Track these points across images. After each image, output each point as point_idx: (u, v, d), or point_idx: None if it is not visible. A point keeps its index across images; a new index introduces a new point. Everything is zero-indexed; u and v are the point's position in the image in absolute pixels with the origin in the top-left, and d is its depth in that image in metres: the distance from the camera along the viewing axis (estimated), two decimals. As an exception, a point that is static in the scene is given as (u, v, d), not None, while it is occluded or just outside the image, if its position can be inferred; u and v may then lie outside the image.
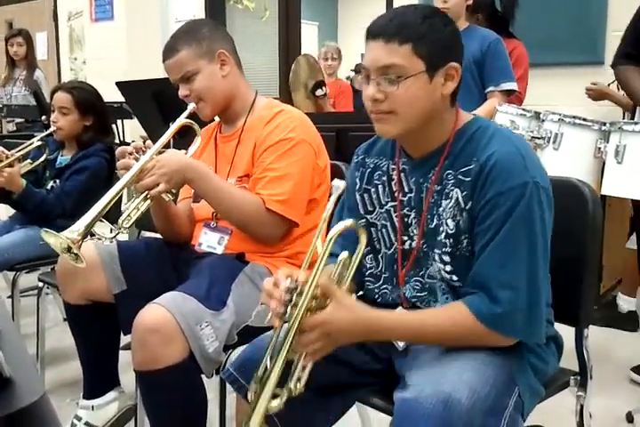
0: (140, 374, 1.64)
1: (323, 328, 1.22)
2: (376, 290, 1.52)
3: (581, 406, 1.56)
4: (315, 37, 10.76)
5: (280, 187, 1.80)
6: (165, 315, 1.59)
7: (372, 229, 1.50)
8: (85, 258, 1.77)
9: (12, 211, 2.96)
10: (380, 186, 1.49)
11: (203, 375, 1.67)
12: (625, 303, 3.26)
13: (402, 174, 1.46)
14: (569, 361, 1.56)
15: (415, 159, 1.43)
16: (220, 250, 1.90)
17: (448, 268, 1.37)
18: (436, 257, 1.38)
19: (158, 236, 2.09)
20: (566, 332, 1.54)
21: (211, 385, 1.72)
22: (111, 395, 2.12)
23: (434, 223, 1.38)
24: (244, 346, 1.48)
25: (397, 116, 1.32)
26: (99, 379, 2.12)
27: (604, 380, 1.88)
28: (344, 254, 1.30)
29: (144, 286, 1.82)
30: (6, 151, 2.57)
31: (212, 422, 1.74)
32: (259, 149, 1.86)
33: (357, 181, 1.54)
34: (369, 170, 1.53)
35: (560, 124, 2.57)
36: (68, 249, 1.64)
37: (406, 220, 1.44)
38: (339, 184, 1.24)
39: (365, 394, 1.48)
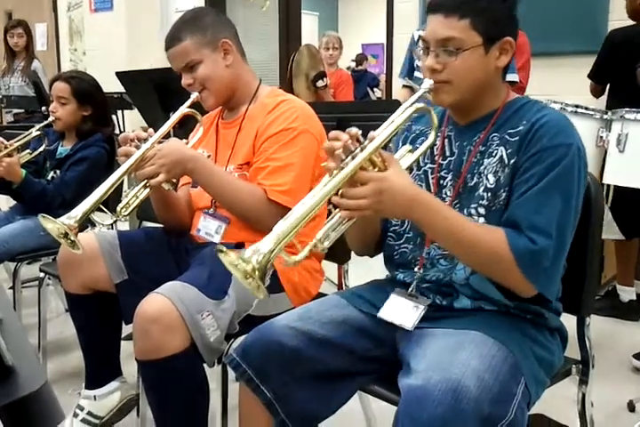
0: (142, 364, 1.64)
1: (377, 184, 1.24)
2: (396, 247, 1.55)
3: (583, 395, 1.57)
4: (315, 27, 10.74)
5: (282, 177, 1.79)
6: (167, 304, 1.58)
7: None
8: (86, 248, 1.79)
9: (12, 202, 2.96)
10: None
11: (205, 365, 1.67)
12: (625, 293, 3.28)
13: (446, 140, 1.51)
14: (571, 350, 1.56)
15: (462, 125, 1.49)
16: (217, 239, 1.90)
17: (481, 220, 1.39)
18: (472, 211, 1.41)
19: (159, 226, 2.08)
20: (568, 321, 1.54)
21: (213, 375, 1.72)
22: (113, 385, 2.12)
23: (473, 181, 1.43)
24: (248, 334, 1.48)
25: (452, 86, 1.39)
26: (100, 369, 2.12)
27: (605, 369, 1.89)
28: (406, 147, 1.39)
29: (145, 275, 1.82)
30: (5, 141, 2.57)
31: (214, 411, 1.74)
32: (260, 137, 1.85)
33: (400, 143, 1.58)
34: (413, 135, 1.59)
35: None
36: (66, 235, 1.64)
37: (441, 182, 1.48)
38: None
39: (368, 382, 1.48)
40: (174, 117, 1.87)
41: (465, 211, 1.42)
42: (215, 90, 1.91)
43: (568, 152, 1.32)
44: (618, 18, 3.76)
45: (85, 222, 1.80)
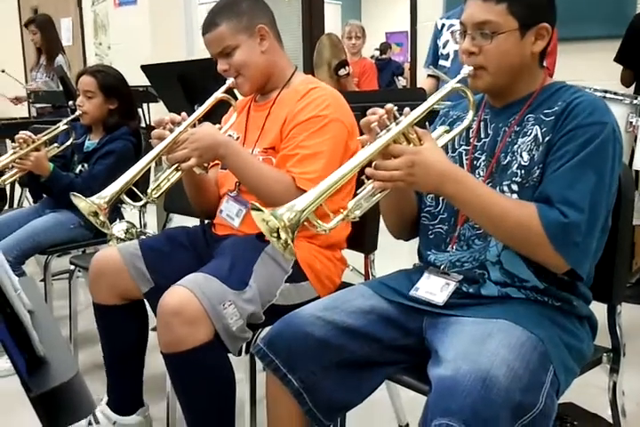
0: (168, 357, 1.65)
1: (410, 157, 1.28)
2: (430, 227, 1.56)
3: (614, 384, 1.55)
4: (338, 16, 10.69)
5: (311, 165, 1.78)
6: (188, 296, 1.59)
7: None
8: (110, 262, 1.89)
9: (43, 196, 2.98)
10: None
11: (232, 356, 1.68)
12: (655, 280, 3.23)
13: (481, 123, 1.52)
14: (601, 338, 1.55)
15: (498, 108, 1.50)
16: (237, 222, 1.90)
17: (514, 196, 1.40)
18: (505, 188, 1.41)
19: (187, 219, 2.09)
20: (599, 309, 1.52)
21: (241, 365, 1.73)
22: (134, 419, 2.09)
23: (506, 160, 1.44)
24: (274, 324, 1.49)
25: (488, 71, 1.42)
26: (124, 396, 2.09)
27: (637, 357, 1.86)
28: (443, 128, 1.45)
29: (171, 278, 1.79)
30: (33, 136, 2.59)
31: (241, 402, 1.76)
32: (289, 123, 1.85)
33: (437, 126, 1.59)
34: (450, 120, 1.61)
35: (590, 99, 2.53)
36: (95, 214, 1.67)
37: (475, 162, 1.50)
38: None
39: (396, 371, 1.48)
40: (209, 102, 1.87)
41: (497, 188, 1.42)
42: (250, 76, 1.90)
43: (603, 130, 1.33)
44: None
45: (117, 203, 1.82)
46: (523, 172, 1.40)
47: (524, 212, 1.32)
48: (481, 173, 1.48)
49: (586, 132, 1.33)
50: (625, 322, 1.57)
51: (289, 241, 1.26)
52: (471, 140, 1.53)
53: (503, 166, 1.44)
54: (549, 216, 1.30)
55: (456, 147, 1.55)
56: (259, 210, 1.29)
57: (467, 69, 1.42)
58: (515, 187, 1.41)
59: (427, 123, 1.45)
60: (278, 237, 1.27)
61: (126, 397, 2.10)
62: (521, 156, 1.41)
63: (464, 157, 1.53)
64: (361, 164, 1.31)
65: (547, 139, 1.38)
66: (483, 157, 1.49)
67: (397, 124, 1.31)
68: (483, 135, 1.51)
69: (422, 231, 1.59)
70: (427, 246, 1.56)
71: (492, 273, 1.43)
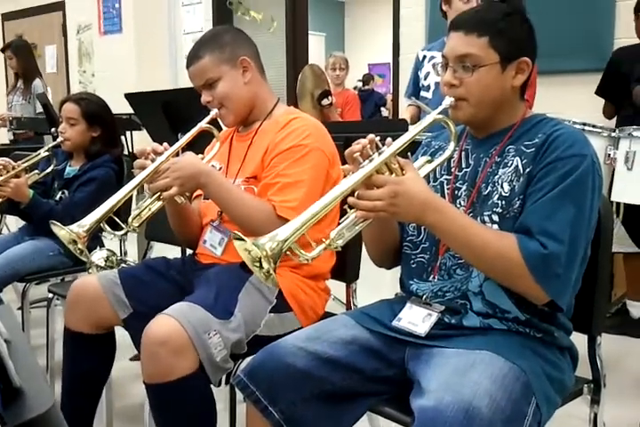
0: (151, 387, 1.63)
1: (393, 187, 1.29)
2: (412, 256, 1.56)
3: (595, 415, 1.55)
4: (322, 48, 10.81)
5: (292, 193, 1.79)
6: (175, 326, 1.58)
7: None
8: (89, 290, 1.87)
9: (22, 223, 2.96)
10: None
11: (212, 386, 1.66)
12: (635, 309, 3.24)
13: (463, 153, 1.53)
14: (582, 369, 1.55)
15: (479, 139, 1.52)
16: (219, 251, 1.90)
17: (495, 227, 1.40)
18: (486, 218, 1.42)
19: (168, 247, 2.08)
20: (579, 339, 1.52)
21: (220, 396, 1.71)
22: None
23: (487, 190, 1.44)
24: (255, 354, 1.48)
25: (469, 102, 1.44)
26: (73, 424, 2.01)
27: (617, 388, 1.87)
28: (424, 158, 1.46)
29: (150, 305, 1.78)
30: (12, 162, 2.58)
31: (222, 432, 1.73)
32: (270, 153, 1.86)
33: (419, 156, 1.60)
34: (432, 150, 1.62)
35: (569, 131, 2.57)
36: (75, 242, 1.67)
37: (456, 192, 1.51)
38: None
39: (377, 403, 1.47)
40: (191, 132, 1.88)
41: (479, 218, 1.43)
42: (233, 107, 1.92)
43: (582, 162, 1.34)
44: (623, 35, 3.77)
45: (97, 232, 1.82)
46: (503, 202, 1.41)
47: (505, 243, 1.33)
48: (462, 203, 1.49)
49: (566, 164, 1.34)
50: (605, 353, 1.58)
51: (271, 271, 1.27)
52: (452, 170, 1.54)
53: (484, 197, 1.45)
54: (529, 247, 1.31)
55: (437, 176, 1.57)
56: (241, 239, 1.30)
57: (448, 101, 1.44)
58: (495, 217, 1.42)
59: (409, 153, 1.47)
60: (260, 267, 1.28)
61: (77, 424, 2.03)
62: (502, 186, 1.42)
63: (445, 187, 1.54)
64: (343, 193, 1.32)
65: (527, 170, 1.39)
66: (464, 187, 1.50)
67: (380, 154, 1.32)
68: (464, 165, 1.52)
69: (404, 260, 1.59)
70: (409, 276, 1.56)
71: (474, 303, 1.43)
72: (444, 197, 1.52)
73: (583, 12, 4.00)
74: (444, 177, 1.55)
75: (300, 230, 1.30)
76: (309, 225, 1.31)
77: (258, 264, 1.28)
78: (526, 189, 1.38)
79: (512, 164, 1.42)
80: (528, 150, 1.41)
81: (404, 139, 1.36)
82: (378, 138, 1.34)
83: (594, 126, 2.55)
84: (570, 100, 3.87)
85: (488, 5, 1.52)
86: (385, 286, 1.69)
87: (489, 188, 1.45)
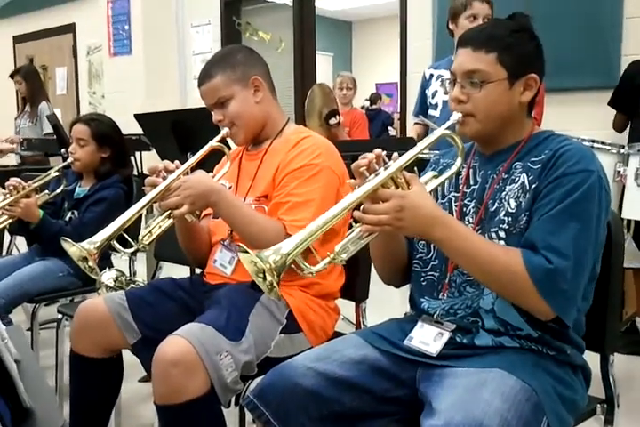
0: (162, 408, 1.61)
1: (398, 201, 1.29)
2: (422, 274, 1.55)
3: (609, 435, 1.53)
4: (329, 68, 10.88)
5: (302, 212, 1.79)
6: (186, 347, 1.57)
7: None
8: (96, 314, 1.86)
9: (31, 244, 2.97)
10: (447, 180, 1.54)
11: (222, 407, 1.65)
12: (646, 328, 3.21)
13: (470, 170, 1.53)
14: (595, 388, 1.53)
15: (487, 156, 1.51)
16: (229, 270, 1.90)
17: (501, 242, 1.40)
18: (492, 234, 1.42)
19: (177, 267, 2.08)
20: (591, 359, 1.51)
21: (230, 417, 1.70)
22: None
23: (494, 207, 1.44)
24: (264, 375, 1.47)
25: (476, 118, 1.44)
26: None
27: (631, 408, 1.84)
28: (431, 173, 1.45)
29: (159, 330, 1.76)
30: (23, 182, 2.60)
31: (232, 454, 1.72)
32: (281, 172, 1.86)
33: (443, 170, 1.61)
34: (440, 167, 1.62)
35: (578, 149, 2.56)
36: (85, 259, 1.67)
37: (464, 209, 1.50)
38: None
39: (387, 424, 1.45)
40: (202, 151, 1.89)
41: (486, 235, 1.43)
42: (244, 126, 1.93)
43: (589, 178, 1.34)
44: (631, 52, 3.78)
45: (106, 251, 1.82)
46: (510, 219, 1.41)
47: (510, 256, 1.32)
48: (470, 220, 1.49)
49: (572, 180, 1.34)
50: (618, 372, 1.56)
51: (274, 283, 1.28)
52: (460, 187, 1.54)
53: (491, 213, 1.45)
54: (534, 262, 1.31)
55: (446, 193, 1.57)
56: (245, 252, 1.31)
57: (456, 116, 1.44)
58: (502, 233, 1.41)
59: (415, 168, 1.47)
60: (264, 279, 1.29)
61: None
62: (508, 203, 1.42)
63: (453, 204, 1.54)
64: (349, 207, 1.32)
65: (533, 186, 1.39)
66: (472, 204, 1.50)
67: (386, 168, 1.32)
68: (472, 182, 1.52)
69: (414, 278, 1.58)
70: (420, 294, 1.55)
71: (485, 321, 1.42)
72: (453, 214, 1.51)
73: (591, 29, 4.02)
74: (452, 194, 1.55)
75: (304, 244, 1.30)
76: (313, 239, 1.32)
77: (262, 276, 1.29)
78: (532, 205, 1.38)
79: (519, 180, 1.42)
80: (535, 166, 1.41)
81: (410, 153, 1.37)
82: (385, 153, 1.35)
83: (603, 143, 2.55)
84: (578, 118, 3.88)
85: (496, 22, 1.53)
86: (394, 305, 1.68)
87: (496, 204, 1.44)
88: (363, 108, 8.03)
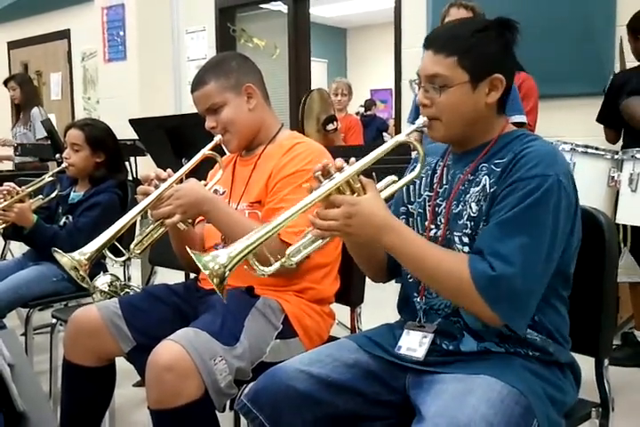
0: (157, 413, 1.61)
1: (348, 208, 1.29)
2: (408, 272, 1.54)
3: (604, 439, 1.53)
4: (324, 74, 10.90)
5: (295, 219, 1.78)
6: (180, 351, 1.57)
7: (410, 218, 1.56)
8: (89, 322, 1.85)
9: (26, 248, 2.97)
10: (423, 178, 1.55)
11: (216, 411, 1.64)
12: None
13: (445, 169, 1.52)
14: (590, 393, 1.53)
15: (458, 154, 1.50)
16: None
17: (466, 249, 1.39)
18: (457, 239, 1.41)
19: (171, 272, 2.07)
20: (586, 363, 1.51)
21: (225, 421, 1.70)
22: None
23: (458, 209, 1.43)
24: (258, 378, 1.47)
25: (442, 122, 1.42)
26: None
27: (626, 412, 1.84)
28: (391, 177, 1.43)
29: (154, 337, 1.74)
30: (17, 187, 2.59)
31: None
32: (274, 177, 1.86)
33: (408, 173, 1.59)
34: (426, 167, 1.58)
35: (572, 154, 2.58)
36: (77, 269, 1.68)
37: (437, 209, 1.50)
38: None
39: (380, 428, 1.45)
40: (195, 159, 1.89)
41: (452, 240, 1.42)
42: (237, 133, 1.93)
43: (543, 183, 1.31)
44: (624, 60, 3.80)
45: (99, 259, 1.82)
46: (472, 224, 1.40)
47: (456, 262, 1.32)
48: (442, 220, 1.47)
49: (527, 185, 1.31)
50: (614, 377, 1.56)
51: (220, 285, 1.33)
52: (434, 187, 1.53)
53: (454, 215, 1.44)
54: (478, 268, 1.29)
55: (421, 193, 1.56)
56: (194, 253, 1.35)
57: (421, 120, 1.43)
58: (466, 239, 1.40)
59: (373, 174, 1.46)
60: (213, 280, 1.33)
61: None
62: (470, 207, 1.41)
63: (427, 204, 1.53)
64: (299, 211, 1.34)
65: (492, 190, 1.38)
66: (443, 204, 1.48)
67: (341, 172, 1.32)
68: (444, 182, 1.51)
69: (403, 276, 1.58)
70: (410, 292, 1.54)
71: (467, 320, 1.41)
72: (426, 214, 1.51)
73: (583, 37, 4.04)
74: (427, 193, 1.54)
75: (246, 250, 1.34)
76: (254, 248, 1.34)
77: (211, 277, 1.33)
78: (490, 209, 1.37)
79: (481, 183, 1.41)
80: (497, 169, 1.39)
81: (366, 159, 1.36)
82: (343, 161, 1.35)
83: (597, 149, 2.56)
84: (573, 124, 3.90)
85: (461, 22, 1.50)
86: (389, 309, 1.68)
87: (459, 206, 1.43)
88: (357, 114, 8.04)
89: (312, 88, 5.55)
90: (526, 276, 1.29)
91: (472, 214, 1.40)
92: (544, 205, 1.31)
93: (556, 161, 1.35)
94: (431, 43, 1.42)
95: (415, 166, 1.56)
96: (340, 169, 1.33)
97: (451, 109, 1.40)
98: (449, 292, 1.35)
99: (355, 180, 1.33)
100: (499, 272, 1.28)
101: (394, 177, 1.45)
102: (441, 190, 1.51)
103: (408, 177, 1.43)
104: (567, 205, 1.34)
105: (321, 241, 1.37)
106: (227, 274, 1.32)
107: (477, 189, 1.40)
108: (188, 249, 1.38)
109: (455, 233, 1.42)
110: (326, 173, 1.33)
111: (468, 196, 1.42)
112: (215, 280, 1.32)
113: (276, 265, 1.36)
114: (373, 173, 1.50)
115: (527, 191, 1.31)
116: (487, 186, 1.39)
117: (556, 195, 1.31)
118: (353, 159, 1.35)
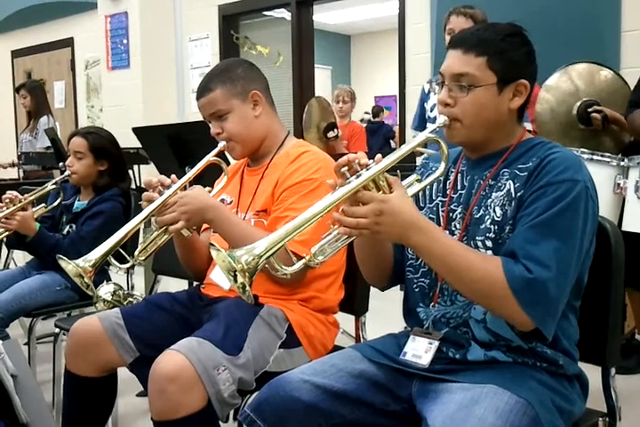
0: (160, 424, 1.59)
1: (378, 205, 1.26)
2: (414, 280, 1.53)
3: (612, 449, 1.51)
4: (328, 81, 10.93)
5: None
6: (183, 362, 1.56)
7: None
8: (92, 334, 1.84)
9: (29, 257, 2.96)
10: (435, 184, 1.53)
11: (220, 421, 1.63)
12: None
13: (459, 175, 1.51)
14: (596, 402, 1.52)
15: (474, 160, 1.49)
16: (227, 285, 1.88)
17: (489, 252, 1.38)
18: (479, 244, 1.39)
19: (175, 281, 2.07)
20: (593, 372, 1.50)
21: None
22: None
23: (479, 214, 1.42)
24: (261, 388, 1.45)
25: (462, 124, 1.41)
26: None
27: (634, 422, 1.82)
28: (414, 176, 1.40)
29: (157, 347, 1.73)
30: (19, 195, 2.59)
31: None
32: (280, 186, 1.86)
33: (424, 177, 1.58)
34: (429, 171, 1.59)
35: (577, 161, 2.56)
36: (81, 276, 1.67)
37: (451, 215, 1.48)
38: None
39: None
40: (199, 165, 1.88)
41: (472, 243, 1.41)
42: (242, 140, 1.92)
43: (574, 188, 1.31)
44: (629, 65, 3.80)
45: (104, 265, 1.82)
46: (496, 227, 1.39)
47: (489, 264, 1.30)
48: (457, 226, 1.46)
49: (557, 190, 1.31)
50: (621, 386, 1.54)
51: (246, 285, 1.26)
52: (448, 192, 1.52)
53: (476, 220, 1.43)
54: (514, 271, 1.28)
55: (433, 198, 1.54)
56: (218, 250, 1.29)
57: (442, 119, 1.41)
58: (489, 243, 1.39)
59: (397, 171, 1.44)
60: (235, 279, 1.27)
61: None
62: (494, 210, 1.40)
63: (440, 209, 1.52)
64: (328, 208, 1.30)
65: (519, 194, 1.37)
66: (459, 210, 1.47)
67: (368, 170, 1.29)
68: (459, 187, 1.50)
69: (408, 285, 1.56)
70: (415, 302, 1.53)
71: (475, 332, 1.40)
72: (439, 219, 1.50)
73: (589, 42, 4.03)
74: (440, 199, 1.53)
75: (278, 245, 1.29)
76: (289, 239, 1.30)
77: (233, 275, 1.26)
78: (517, 213, 1.36)
79: (505, 187, 1.40)
80: (522, 174, 1.39)
81: (393, 156, 1.33)
82: (367, 158, 1.32)
83: (602, 155, 2.54)
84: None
85: (489, 25, 1.49)
86: (394, 319, 1.67)
87: (481, 211, 1.42)
88: (362, 120, 8.04)
89: (316, 95, 5.58)
90: (559, 280, 1.28)
91: (496, 218, 1.39)
92: (575, 211, 1.31)
93: (582, 168, 1.36)
94: (460, 42, 1.42)
95: (433, 169, 1.56)
96: (364, 166, 1.30)
97: (475, 110, 1.39)
98: (480, 293, 1.32)
99: (380, 177, 1.30)
100: (535, 275, 1.27)
101: (417, 176, 1.42)
102: (455, 196, 1.49)
103: (432, 177, 1.41)
104: (593, 212, 1.34)
105: (346, 239, 1.34)
106: (259, 265, 1.26)
107: (501, 193, 1.40)
108: (214, 244, 1.32)
109: (477, 238, 1.41)
110: (350, 169, 1.30)
111: (490, 200, 1.41)
112: (247, 274, 1.25)
113: (299, 264, 1.32)
114: (398, 171, 1.49)
115: (557, 196, 1.31)
116: (512, 190, 1.38)
117: (584, 201, 1.32)
118: (379, 156, 1.32)
